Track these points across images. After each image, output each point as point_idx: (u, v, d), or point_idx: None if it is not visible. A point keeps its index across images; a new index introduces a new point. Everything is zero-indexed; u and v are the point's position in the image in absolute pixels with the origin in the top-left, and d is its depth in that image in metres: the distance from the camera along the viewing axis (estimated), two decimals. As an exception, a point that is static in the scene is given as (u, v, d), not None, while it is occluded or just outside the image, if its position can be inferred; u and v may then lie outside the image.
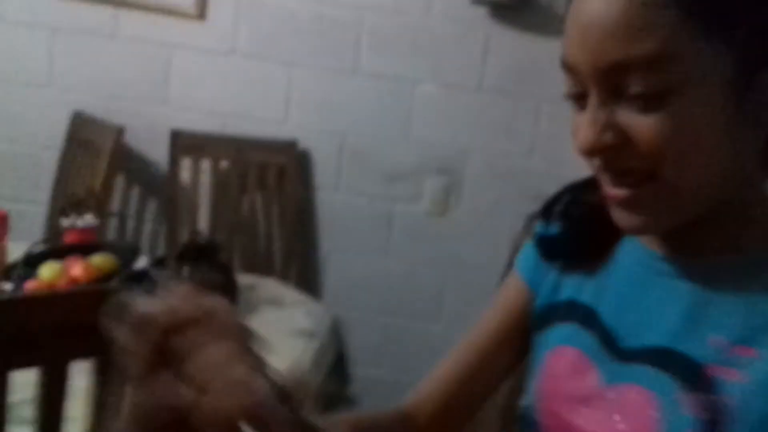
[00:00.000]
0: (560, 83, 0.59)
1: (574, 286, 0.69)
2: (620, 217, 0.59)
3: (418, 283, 2.20)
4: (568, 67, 0.57)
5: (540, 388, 0.68)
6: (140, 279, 1.36)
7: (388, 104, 2.15)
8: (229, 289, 1.49)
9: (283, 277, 2.06)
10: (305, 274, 2.18)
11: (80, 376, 0.98)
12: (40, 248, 1.51)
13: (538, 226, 0.73)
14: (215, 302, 0.48)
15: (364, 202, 2.19)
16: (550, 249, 0.72)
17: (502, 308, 0.75)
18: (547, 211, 0.72)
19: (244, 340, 0.47)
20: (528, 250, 0.75)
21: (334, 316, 1.69)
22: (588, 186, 0.66)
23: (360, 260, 2.22)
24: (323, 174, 2.18)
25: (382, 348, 2.21)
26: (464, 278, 2.16)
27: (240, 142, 2.13)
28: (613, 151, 0.56)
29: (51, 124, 2.13)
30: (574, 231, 0.70)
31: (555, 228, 0.71)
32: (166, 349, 0.44)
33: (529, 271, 0.74)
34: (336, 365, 1.63)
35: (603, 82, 0.55)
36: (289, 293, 1.74)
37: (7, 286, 1.37)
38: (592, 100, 0.56)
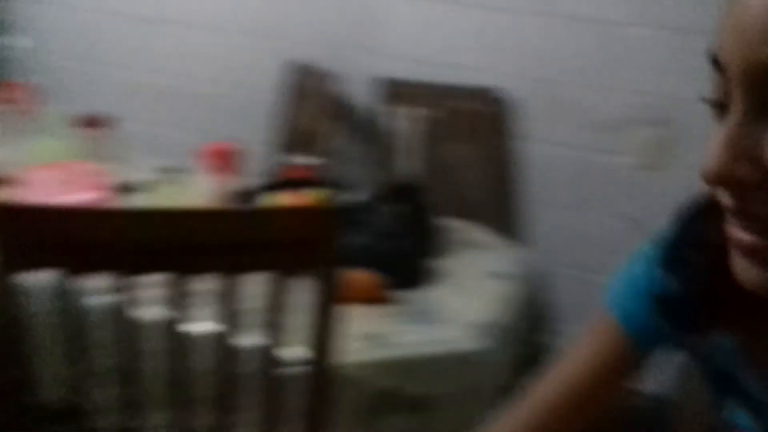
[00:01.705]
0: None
1: (723, 355, 0.56)
2: (742, 268, 0.45)
3: (623, 240, 2.12)
4: (717, 65, 0.45)
5: None
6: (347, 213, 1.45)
7: (593, 49, 2.05)
8: (423, 229, 1.54)
9: (484, 223, 2.08)
10: (506, 223, 2.18)
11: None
12: (257, 182, 1.66)
13: (655, 274, 0.60)
14: None
15: (567, 152, 2.14)
16: (675, 313, 0.58)
17: (591, 362, 0.64)
18: (667, 262, 0.59)
19: None
20: (636, 300, 0.62)
21: (534, 265, 1.68)
22: (712, 213, 0.50)
23: (561, 212, 2.17)
24: (525, 123, 2.16)
25: (583, 304, 2.16)
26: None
27: (443, 90, 2.16)
28: (745, 189, 0.42)
29: (264, 71, 2.30)
30: (702, 290, 0.55)
31: (675, 282, 0.58)
32: None
33: (639, 326, 0.62)
34: (540, 317, 1.63)
35: (753, 90, 0.42)
36: (488, 237, 1.76)
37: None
38: (735, 111, 0.43)
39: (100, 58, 2.50)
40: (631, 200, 2.09)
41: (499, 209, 2.15)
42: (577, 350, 0.65)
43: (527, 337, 1.52)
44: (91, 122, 1.74)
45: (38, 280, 1.03)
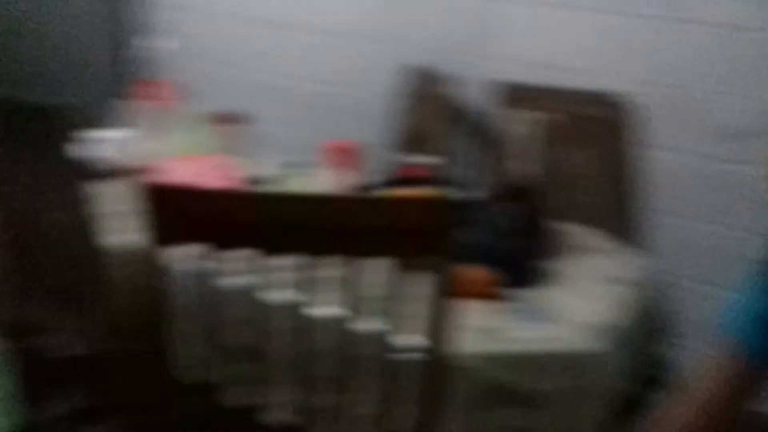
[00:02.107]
0: None
1: None
2: None
3: (748, 255, 2.03)
4: None
5: None
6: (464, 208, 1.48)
7: (721, 55, 1.98)
8: (538, 231, 1.55)
9: (601, 229, 2.05)
10: (624, 230, 2.14)
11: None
12: (375, 178, 1.72)
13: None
14: None
15: (693, 160, 2.07)
16: None
17: (719, 386, 0.64)
18: None
19: None
20: (753, 321, 0.62)
21: (654, 274, 1.64)
22: None
23: (684, 222, 2.11)
24: (649, 129, 2.11)
25: (703, 318, 2.09)
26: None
27: (562, 94, 2.15)
28: None
29: (382, 74, 2.36)
30: None
31: None
32: None
33: (757, 348, 0.62)
34: (657, 327, 1.60)
35: None
36: (605, 243, 1.74)
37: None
38: None
39: (234, 61, 2.66)
40: (758, 213, 2.00)
41: (618, 216, 2.11)
42: (706, 374, 0.67)
43: (642, 344, 1.49)
44: (226, 119, 1.86)
45: (179, 259, 1.12)
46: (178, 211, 1.00)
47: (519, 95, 2.18)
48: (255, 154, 1.90)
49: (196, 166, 1.73)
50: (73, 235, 1.39)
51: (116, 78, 3.03)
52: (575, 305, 1.36)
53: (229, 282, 1.15)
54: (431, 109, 2.16)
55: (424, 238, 1.04)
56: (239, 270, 1.10)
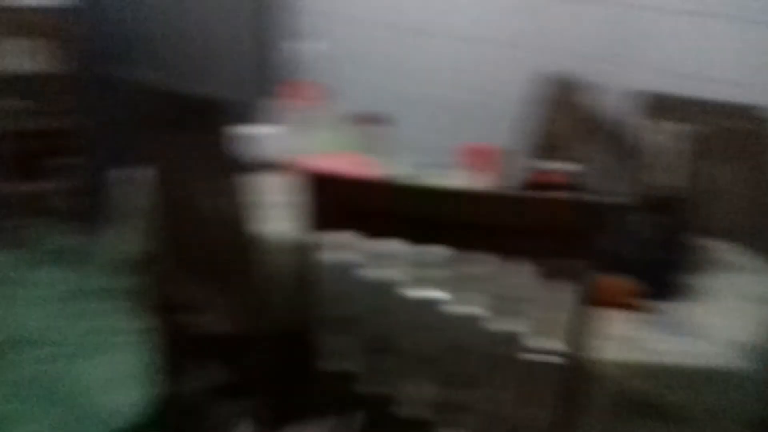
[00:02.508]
0: None
1: None
2: None
3: None
4: None
5: None
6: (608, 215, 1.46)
7: None
8: (680, 244, 1.51)
9: (746, 246, 1.98)
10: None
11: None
12: (512, 183, 1.73)
13: None
14: None
15: None
16: None
17: None
18: None
19: None
20: None
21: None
22: None
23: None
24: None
25: None
26: None
27: (708, 106, 2.08)
28: None
29: (520, 81, 2.37)
30: None
31: None
32: None
33: None
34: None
35: None
36: (750, 260, 1.68)
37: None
38: None
39: (375, 65, 2.75)
40: None
41: (762, 233, 2.02)
42: None
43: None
44: (367, 120, 1.94)
45: (330, 248, 1.18)
46: (335, 199, 1.06)
47: (663, 106, 2.13)
48: (392, 155, 1.96)
49: (338, 163, 1.81)
50: (229, 221, 1.49)
51: (266, 78, 3.21)
52: (717, 322, 1.32)
53: (373, 274, 1.19)
54: (569, 116, 2.15)
55: (571, 240, 1.05)
56: (384, 263, 1.15)
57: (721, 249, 1.66)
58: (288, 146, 1.88)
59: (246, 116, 2.00)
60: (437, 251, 1.08)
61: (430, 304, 1.19)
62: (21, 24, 3.11)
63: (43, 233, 3.57)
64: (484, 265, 1.11)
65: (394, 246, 1.12)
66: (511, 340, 1.17)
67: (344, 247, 1.17)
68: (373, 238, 1.08)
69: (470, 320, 1.18)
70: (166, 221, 1.71)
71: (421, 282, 1.16)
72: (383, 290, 1.22)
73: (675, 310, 1.35)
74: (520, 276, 1.12)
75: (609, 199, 1.62)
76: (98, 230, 3.56)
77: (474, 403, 1.21)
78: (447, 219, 1.03)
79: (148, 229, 1.82)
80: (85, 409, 2.21)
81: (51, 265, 3.23)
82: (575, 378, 1.14)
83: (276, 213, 1.50)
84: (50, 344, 2.57)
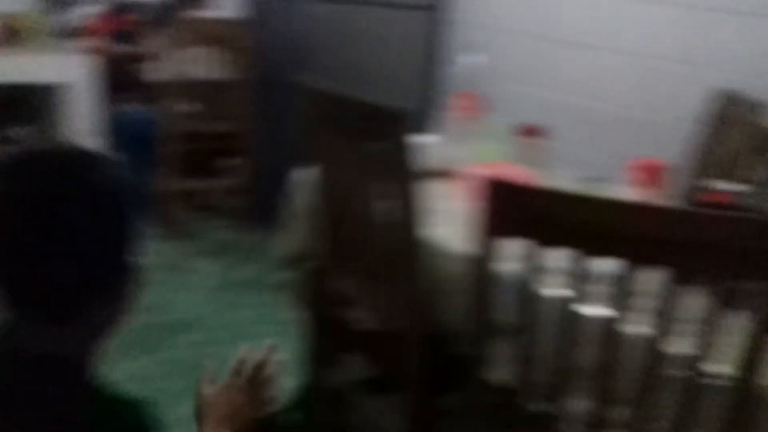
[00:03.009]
0: None
1: None
2: None
3: None
4: None
5: None
6: None
7: None
8: None
9: None
10: None
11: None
12: (679, 201, 1.69)
13: None
14: None
15: None
16: None
17: None
18: None
19: None
20: None
21: None
22: None
23: None
24: None
25: None
26: None
27: None
28: None
29: (683, 97, 2.30)
30: None
31: None
32: None
33: None
34: None
35: None
36: None
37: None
38: None
39: (537, 78, 2.77)
40: None
41: None
42: None
43: None
44: (527, 132, 1.96)
45: (502, 259, 1.21)
46: (511, 206, 1.10)
47: None
48: (552, 167, 1.97)
49: (497, 174, 1.84)
50: (397, 224, 1.56)
51: (430, 89, 3.31)
52: None
53: (542, 286, 1.21)
54: (738, 135, 2.06)
55: (749, 262, 1.03)
56: (553, 276, 1.16)
57: None
58: (450, 156, 1.94)
59: (412, 126, 2.08)
60: (609, 265, 1.09)
61: (597, 321, 1.18)
62: (201, 33, 3.39)
63: (208, 227, 3.84)
64: (656, 283, 1.10)
65: (565, 257, 1.13)
66: (681, 361, 1.15)
67: (515, 257, 1.19)
68: (545, 247, 1.11)
69: (641, 340, 1.16)
70: (332, 220, 1.81)
71: (589, 297, 1.17)
72: (551, 303, 1.23)
73: None
74: (691, 296, 1.11)
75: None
76: (263, 227, 3.79)
77: (636, 421, 1.20)
78: (622, 231, 1.04)
79: (314, 227, 1.93)
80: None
81: (212, 257, 3.48)
82: (746, 405, 1.11)
83: (439, 219, 1.55)
84: (206, 329, 2.77)
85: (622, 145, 2.42)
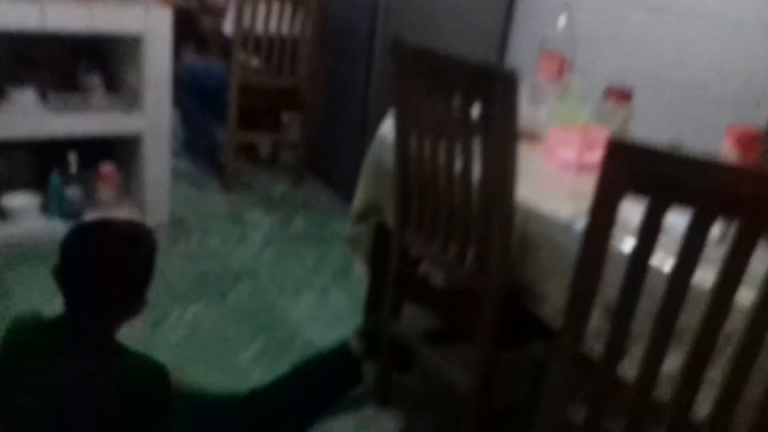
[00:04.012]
0: None
1: None
2: None
3: None
4: None
5: None
6: None
7: None
8: None
9: None
10: None
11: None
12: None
13: None
14: None
15: None
16: None
17: None
18: None
19: None
20: None
21: None
22: None
23: None
24: None
25: None
26: None
27: None
28: None
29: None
30: None
31: None
32: None
33: None
34: None
35: None
36: None
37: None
38: None
39: (619, 41, 2.72)
40: None
41: None
42: None
43: None
44: (613, 94, 1.93)
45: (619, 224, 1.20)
46: (626, 165, 1.09)
47: None
48: (634, 131, 1.95)
49: (579, 135, 1.83)
50: (485, 182, 1.57)
51: (512, 50, 3.28)
52: None
53: (643, 252, 1.18)
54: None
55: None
56: (659, 241, 1.13)
57: None
58: (532, 117, 1.93)
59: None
60: (716, 228, 1.07)
61: (705, 291, 1.15)
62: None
63: (266, 180, 3.89)
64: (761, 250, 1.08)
65: (674, 221, 1.11)
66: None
67: (627, 225, 1.17)
68: (657, 209, 1.10)
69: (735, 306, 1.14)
70: (409, 176, 1.82)
71: (692, 261, 1.14)
72: (659, 273, 1.20)
73: None
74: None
75: None
76: (319, 181, 3.82)
77: (721, 382, 1.19)
78: (733, 194, 1.02)
79: (388, 183, 1.94)
80: (292, 340, 2.41)
81: (270, 209, 3.53)
82: None
83: (522, 179, 1.55)
84: (265, 279, 2.81)
85: (702, 112, 2.38)
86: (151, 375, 1.39)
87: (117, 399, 1.31)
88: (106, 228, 1.46)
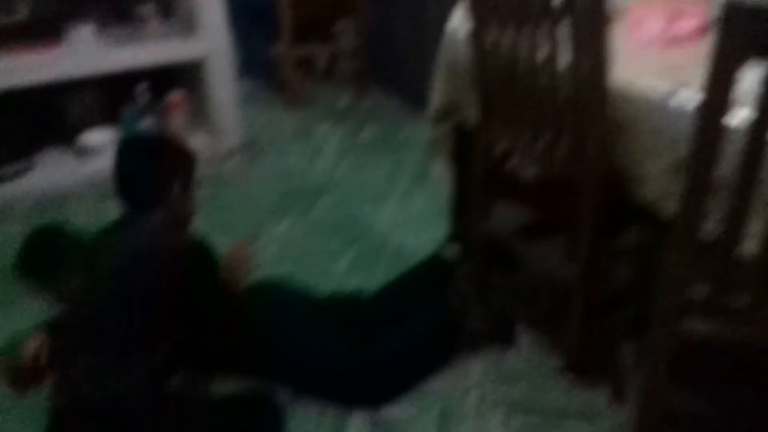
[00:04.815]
0: None
1: None
2: None
3: None
4: None
5: None
6: None
7: None
8: None
9: None
10: None
11: None
12: None
13: None
14: None
15: None
16: None
17: None
18: None
19: None
20: None
21: None
22: None
23: None
24: None
25: None
26: None
27: None
28: None
29: None
30: None
31: None
32: None
33: None
34: None
35: None
36: None
37: None
38: None
39: None
40: None
41: None
42: None
43: None
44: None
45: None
46: (745, 29, 1.05)
47: None
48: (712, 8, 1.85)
49: (666, 8, 1.75)
50: (578, 69, 1.52)
51: None
52: None
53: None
54: None
55: None
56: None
57: None
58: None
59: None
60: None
61: None
62: None
63: (326, 92, 3.86)
64: None
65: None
66: None
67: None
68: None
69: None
70: (489, 72, 1.78)
71: None
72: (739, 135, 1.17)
73: None
74: None
75: None
76: (379, 88, 3.78)
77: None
78: None
79: (465, 80, 1.90)
80: (382, 248, 2.45)
81: (335, 122, 3.52)
82: None
83: (614, 62, 1.50)
84: (342, 191, 2.85)
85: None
86: (196, 250, 1.67)
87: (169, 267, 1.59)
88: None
